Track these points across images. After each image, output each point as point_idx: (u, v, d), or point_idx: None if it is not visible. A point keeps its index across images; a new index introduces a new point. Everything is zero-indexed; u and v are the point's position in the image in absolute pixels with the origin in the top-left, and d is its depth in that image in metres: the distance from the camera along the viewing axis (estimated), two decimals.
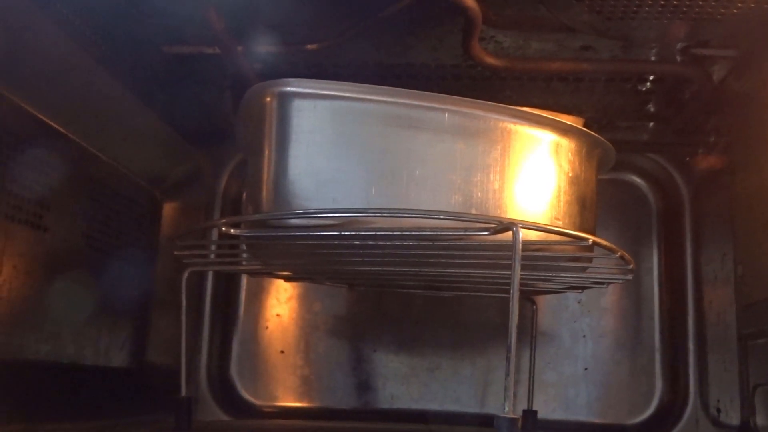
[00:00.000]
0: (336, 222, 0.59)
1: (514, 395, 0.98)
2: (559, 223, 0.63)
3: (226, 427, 0.98)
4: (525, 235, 0.56)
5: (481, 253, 0.62)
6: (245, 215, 0.64)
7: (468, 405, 1.02)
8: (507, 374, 0.49)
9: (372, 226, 0.58)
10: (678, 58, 0.86)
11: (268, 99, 0.62)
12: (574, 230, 0.62)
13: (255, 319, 1.06)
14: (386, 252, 0.63)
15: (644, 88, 0.94)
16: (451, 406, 1.02)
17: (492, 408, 1.01)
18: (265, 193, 0.61)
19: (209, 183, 1.06)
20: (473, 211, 0.59)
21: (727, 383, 0.90)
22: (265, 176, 0.61)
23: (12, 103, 0.69)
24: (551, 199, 0.63)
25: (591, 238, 0.59)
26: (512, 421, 0.49)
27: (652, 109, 0.99)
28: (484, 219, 0.56)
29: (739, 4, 0.67)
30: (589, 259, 0.68)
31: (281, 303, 1.06)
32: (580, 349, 1.02)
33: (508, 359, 0.49)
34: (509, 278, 0.52)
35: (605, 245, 0.61)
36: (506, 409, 0.49)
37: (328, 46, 0.85)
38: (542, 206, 0.62)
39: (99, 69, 0.77)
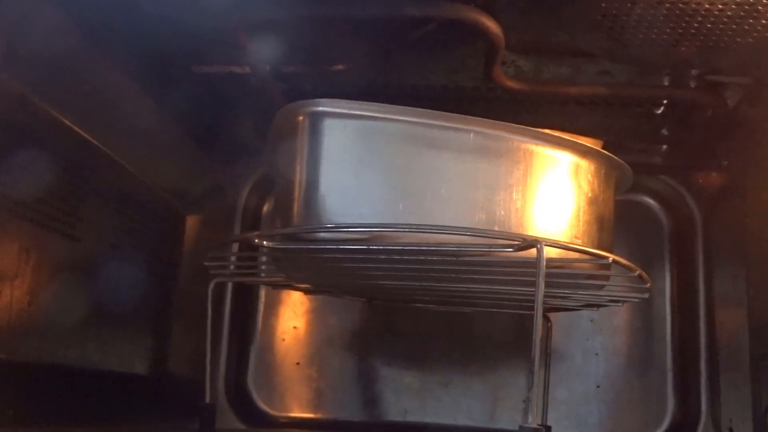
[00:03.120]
0: (363, 236, 0.61)
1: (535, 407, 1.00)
2: (579, 241, 0.65)
3: None
4: (546, 252, 0.58)
5: (503, 269, 0.64)
6: (274, 229, 0.67)
7: (480, 420, 1.03)
8: (531, 386, 0.51)
9: (398, 241, 0.61)
10: (692, 84, 0.88)
11: (301, 118, 0.64)
12: (593, 249, 0.64)
13: (272, 332, 1.08)
14: (410, 267, 0.65)
15: (658, 112, 0.96)
16: (463, 421, 1.03)
17: (501, 423, 1.02)
18: (296, 208, 0.63)
19: (230, 198, 1.09)
20: (496, 229, 0.61)
21: (739, 403, 0.91)
22: (296, 192, 0.63)
23: (51, 115, 0.72)
24: (571, 219, 0.65)
25: (611, 257, 0.61)
26: (535, 431, 0.50)
27: (665, 133, 1.01)
28: (509, 236, 0.58)
29: (755, 34, 0.69)
30: (607, 277, 0.70)
31: (298, 316, 1.08)
32: (592, 367, 1.03)
33: (531, 371, 0.51)
34: (528, 294, 0.54)
35: (625, 264, 0.63)
36: (530, 419, 0.51)
37: (351, 68, 0.88)
38: (562, 225, 0.64)
39: (132, 85, 0.80)
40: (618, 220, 1.03)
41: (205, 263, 0.72)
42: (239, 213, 1.08)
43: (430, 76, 0.92)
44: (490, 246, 0.59)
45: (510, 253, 0.58)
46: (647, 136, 1.02)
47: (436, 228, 0.59)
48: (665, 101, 0.94)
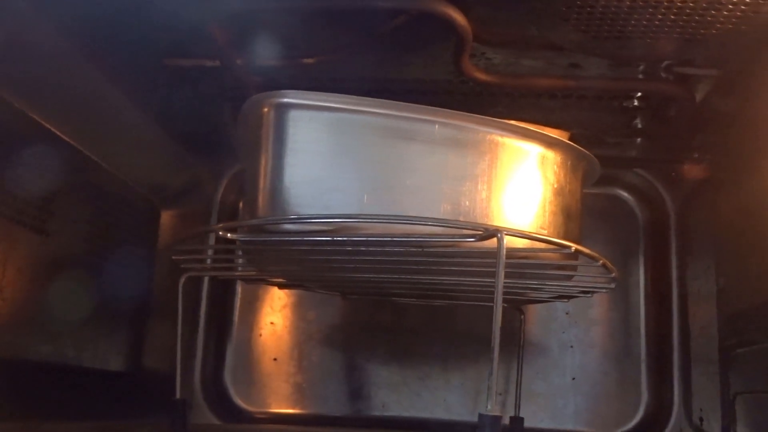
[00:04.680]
0: (329, 228, 0.61)
1: (503, 402, 1.00)
2: (544, 232, 0.65)
3: (221, 431, 0.99)
4: (511, 242, 0.58)
5: (469, 260, 0.65)
6: (242, 221, 0.67)
7: (458, 413, 1.04)
8: (490, 373, 0.51)
9: (364, 232, 0.61)
10: (663, 76, 0.88)
11: (266, 110, 0.64)
12: (559, 239, 0.64)
13: (249, 327, 1.08)
14: (377, 258, 0.66)
15: (631, 105, 0.96)
16: (441, 414, 1.04)
17: None
18: (262, 200, 0.63)
19: (207, 192, 1.09)
20: (461, 219, 0.61)
21: (709, 393, 0.92)
22: (262, 184, 0.63)
23: (20, 112, 0.72)
24: (537, 209, 0.65)
25: (573, 246, 0.61)
26: (495, 418, 0.51)
27: (639, 126, 1.01)
28: (471, 226, 0.58)
29: (718, 26, 0.70)
30: (574, 268, 0.71)
31: (275, 311, 1.08)
32: (568, 359, 1.04)
33: (491, 359, 0.52)
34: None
35: (587, 253, 0.63)
36: (489, 407, 0.51)
37: (325, 61, 0.88)
38: (528, 216, 0.65)
39: (103, 79, 0.80)
40: (593, 213, 1.05)
41: (173, 257, 0.71)
42: (215, 208, 1.08)
43: (405, 70, 0.92)
44: (454, 236, 0.59)
45: (474, 243, 0.58)
46: (622, 130, 1.03)
47: (399, 218, 0.59)
48: (638, 94, 0.94)
